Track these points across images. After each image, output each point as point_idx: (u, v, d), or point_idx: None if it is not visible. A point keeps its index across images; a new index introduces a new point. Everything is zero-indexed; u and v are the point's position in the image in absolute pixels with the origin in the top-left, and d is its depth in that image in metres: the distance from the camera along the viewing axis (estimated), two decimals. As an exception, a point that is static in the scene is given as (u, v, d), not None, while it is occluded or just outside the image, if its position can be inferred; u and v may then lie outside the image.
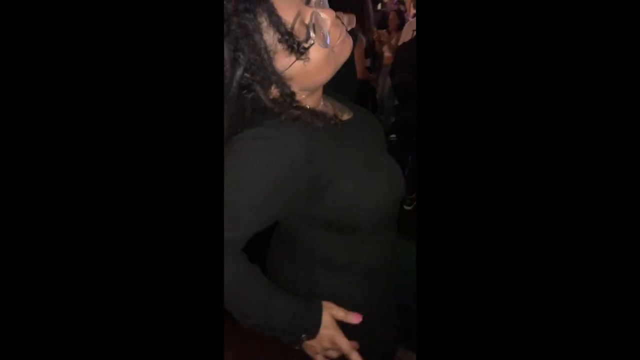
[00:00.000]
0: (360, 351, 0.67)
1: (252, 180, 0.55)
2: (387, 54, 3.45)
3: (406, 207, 2.64)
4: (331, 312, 0.63)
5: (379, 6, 4.31)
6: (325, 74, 0.59)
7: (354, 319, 0.63)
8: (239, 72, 0.53)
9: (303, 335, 0.61)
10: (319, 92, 0.65)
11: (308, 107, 0.61)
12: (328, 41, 0.55)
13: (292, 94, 0.58)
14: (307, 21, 0.54)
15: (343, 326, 0.67)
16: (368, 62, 2.61)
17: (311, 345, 0.63)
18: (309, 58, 0.55)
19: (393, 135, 3.22)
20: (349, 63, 0.86)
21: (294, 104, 0.58)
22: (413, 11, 4.22)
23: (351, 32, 0.68)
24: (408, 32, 2.76)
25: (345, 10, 1.79)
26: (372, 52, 3.03)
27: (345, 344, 0.62)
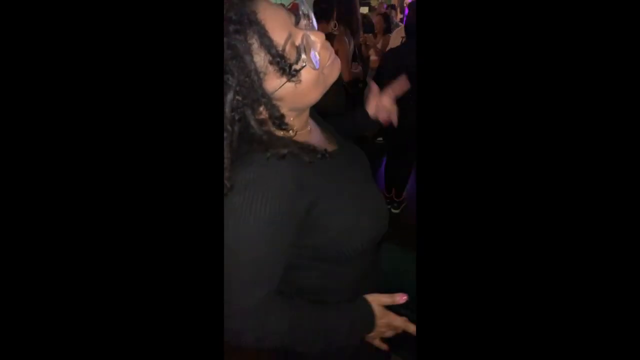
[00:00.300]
0: None
1: (259, 231, 0.54)
2: (373, 57, 3.46)
3: (394, 211, 2.68)
4: (379, 302, 0.66)
5: (367, 10, 4.33)
6: (315, 95, 0.59)
7: (400, 299, 0.67)
8: (229, 96, 0.53)
9: (364, 334, 0.65)
10: (306, 114, 0.66)
11: (295, 128, 0.62)
12: (318, 64, 0.55)
13: (282, 116, 0.57)
14: (297, 43, 0.54)
15: None
16: (358, 68, 2.59)
17: (370, 335, 0.67)
18: (300, 80, 0.55)
19: (380, 139, 3.21)
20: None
21: (283, 127, 0.58)
22: (400, 15, 4.29)
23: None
24: (397, 38, 2.77)
25: (333, 14, 1.77)
26: (359, 56, 3.04)
27: (400, 322, 0.67)
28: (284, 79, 0.54)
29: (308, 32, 0.55)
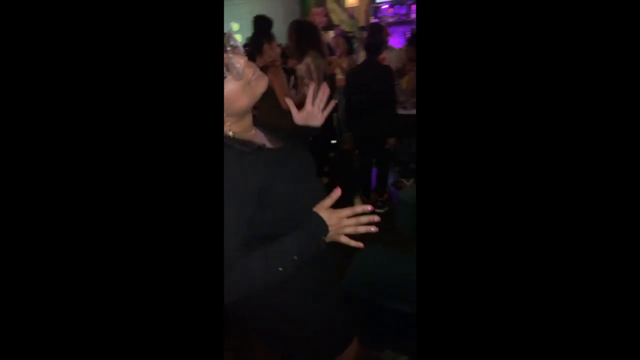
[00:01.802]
0: (301, 338, 0.88)
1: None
2: (339, 76, 3.66)
3: (379, 210, 2.85)
4: (322, 207, 0.74)
5: (332, 34, 4.55)
6: (244, 102, 0.74)
7: (335, 193, 0.74)
8: None
9: (322, 238, 0.72)
10: (247, 121, 0.80)
11: (236, 130, 0.76)
12: (240, 76, 0.71)
13: None
14: (225, 62, 0.70)
15: (284, 320, 0.85)
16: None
17: (331, 236, 0.74)
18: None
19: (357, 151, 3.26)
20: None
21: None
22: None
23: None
24: (361, 57, 3.00)
25: (303, 41, 2.54)
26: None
27: (349, 211, 0.73)
28: None
29: (232, 56, 0.71)
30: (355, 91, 2.59)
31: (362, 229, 0.73)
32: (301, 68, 2.60)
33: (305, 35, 2.58)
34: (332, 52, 3.99)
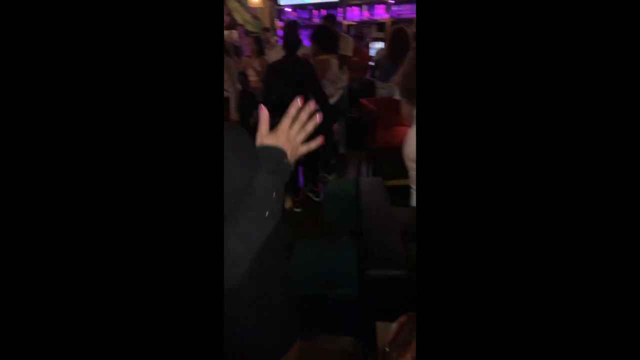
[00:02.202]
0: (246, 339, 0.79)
1: None
2: (252, 77, 3.64)
3: (316, 199, 3.03)
4: (264, 135, 0.71)
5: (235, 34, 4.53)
6: None
7: (263, 114, 0.71)
8: None
9: (285, 161, 0.70)
10: None
11: None
12: None
13: None
14: None
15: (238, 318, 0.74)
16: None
17: (291, 154, 0.71)
18: None
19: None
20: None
21: None
22: (275, 37, 4.67)
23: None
24: (277, 56, 3.03)
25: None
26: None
27: (284, 122, 0.70)
28: None
29: None
30: (280, 87, 2.54)
31: (310, 127, 0.72)
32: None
33: None
34: (238, 52, 3.96)
